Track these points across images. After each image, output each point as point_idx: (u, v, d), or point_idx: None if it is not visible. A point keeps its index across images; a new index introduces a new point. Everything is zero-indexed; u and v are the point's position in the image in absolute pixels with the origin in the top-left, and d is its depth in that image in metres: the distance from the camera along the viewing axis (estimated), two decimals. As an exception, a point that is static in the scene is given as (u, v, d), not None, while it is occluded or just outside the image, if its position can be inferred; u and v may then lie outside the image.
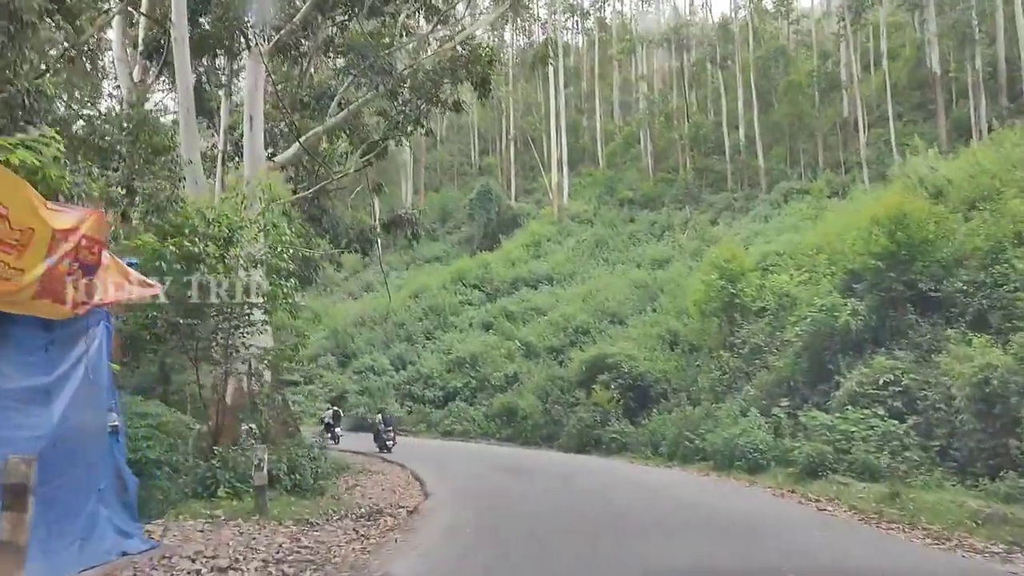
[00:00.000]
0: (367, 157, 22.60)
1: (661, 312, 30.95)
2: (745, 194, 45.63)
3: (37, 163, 5.88)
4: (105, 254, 6.30)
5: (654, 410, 22.65)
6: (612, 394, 23.43)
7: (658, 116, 53.36)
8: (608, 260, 42.61)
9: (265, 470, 8.86)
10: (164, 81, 23.32)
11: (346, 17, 20.34)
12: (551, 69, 55.81)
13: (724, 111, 50.97)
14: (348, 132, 25.10)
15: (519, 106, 63.70)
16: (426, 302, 40.78)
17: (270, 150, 21.43)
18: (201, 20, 18.05)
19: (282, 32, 18.38)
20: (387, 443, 16.88)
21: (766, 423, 16.60)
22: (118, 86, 21.89)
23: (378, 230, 22.74)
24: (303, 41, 21.08)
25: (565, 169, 53.33)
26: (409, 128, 22.05)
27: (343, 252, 23.25)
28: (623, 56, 64.40)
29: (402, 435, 30.19)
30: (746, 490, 13.93)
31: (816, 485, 13.06)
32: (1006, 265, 14.80)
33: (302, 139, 18.73)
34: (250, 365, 13.64)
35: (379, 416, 20.09)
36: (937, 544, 8.74)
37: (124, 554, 6.60)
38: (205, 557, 6.96)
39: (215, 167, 20.05)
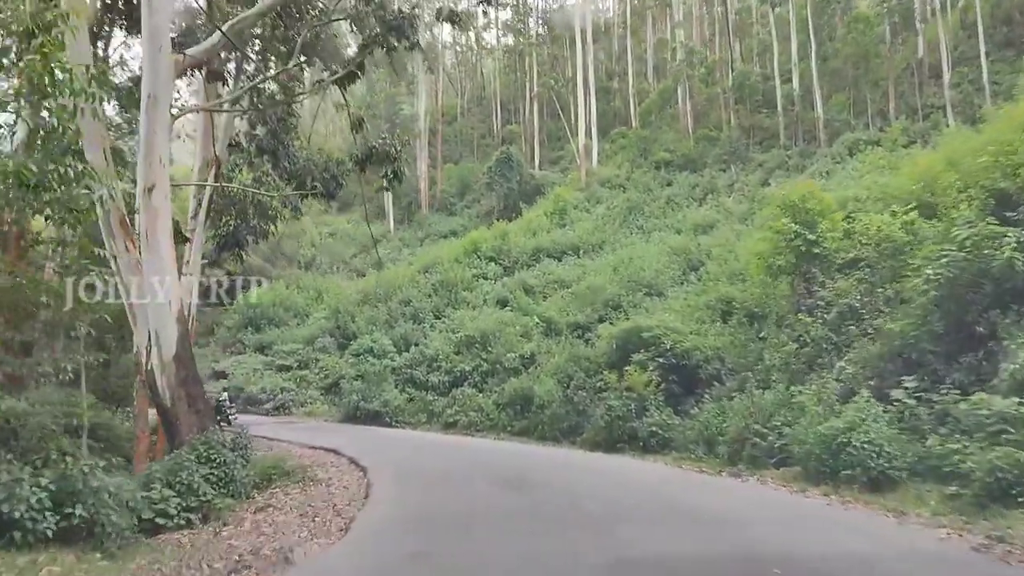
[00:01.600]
0: (336, 76, 17.90)
1: (708, 279, 25.75)
2: (800, 150, 39.64)
3: None
4: None
5: (705, 396, 17.57)
6: (650, 376, 18.35)
7: (698, 68, 47.33)
8: (643, 227, 37.58)
9: None
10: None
11: None
12: (578, 25, 50.39)
13: (776, 57, 44.68)
14: (323, 58, 20.91)
15: (544, 66, 58.11)
16: (436, 277, 35.88)
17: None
18: None
19: None
20: (229, 417, 17.39)
21: (883, 413, 11.21)
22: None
23: (348, 165, 17.76)
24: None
25: (594, 131, 47.85)
26: (392, 40, 17.29)
27: (305, 196, 18.37)
28: (656, 4, 58.27)
29: (398, 428, 25.61)
30: (911, 533, 8.22)
31: (1018, 520, 7.64)
32: None
33: (226, 26, 13.80)
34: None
35: (224, 394, 21.11)
36: None
37: None
38: None
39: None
